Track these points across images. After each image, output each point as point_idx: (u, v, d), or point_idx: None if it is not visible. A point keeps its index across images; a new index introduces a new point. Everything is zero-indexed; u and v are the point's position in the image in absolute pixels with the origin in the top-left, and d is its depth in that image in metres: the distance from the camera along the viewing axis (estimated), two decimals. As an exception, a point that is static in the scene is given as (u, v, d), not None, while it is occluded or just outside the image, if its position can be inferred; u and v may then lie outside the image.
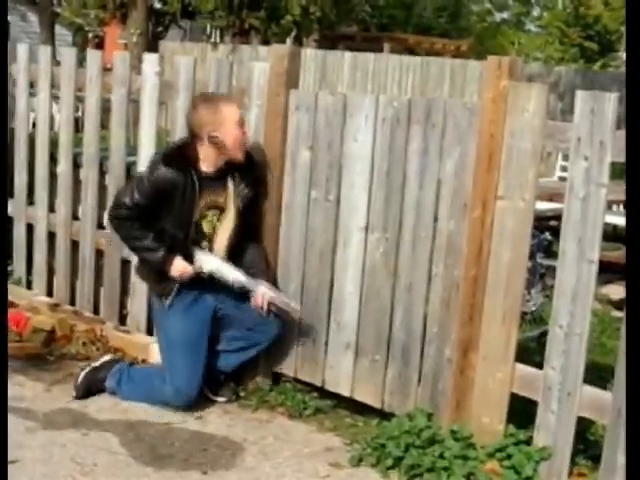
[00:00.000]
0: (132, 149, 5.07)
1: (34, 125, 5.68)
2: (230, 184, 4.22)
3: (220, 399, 4.45)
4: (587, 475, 3.65)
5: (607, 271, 4.37)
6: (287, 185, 4.38)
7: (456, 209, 3.83)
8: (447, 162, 3.84)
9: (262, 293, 4.21)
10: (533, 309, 5.74)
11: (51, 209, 5.56)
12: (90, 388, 4.42)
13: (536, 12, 43.99)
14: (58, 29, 26.47)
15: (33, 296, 5.54)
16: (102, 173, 5.23)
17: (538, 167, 3.61)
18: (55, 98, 5.57)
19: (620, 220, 8.07)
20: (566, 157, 4.15)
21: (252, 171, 4.28)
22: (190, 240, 4.19)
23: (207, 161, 4.16)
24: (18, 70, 5.61)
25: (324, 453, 4.00)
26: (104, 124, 5.18)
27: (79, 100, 5.44)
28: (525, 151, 3.59)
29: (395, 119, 3.98)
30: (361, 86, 17.76)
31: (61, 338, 4.96)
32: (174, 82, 4.75)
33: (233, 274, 4.21)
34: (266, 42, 21.66)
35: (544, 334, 3.89)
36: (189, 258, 4.20)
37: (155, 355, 4.77)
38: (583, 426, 3.74)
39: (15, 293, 5.45)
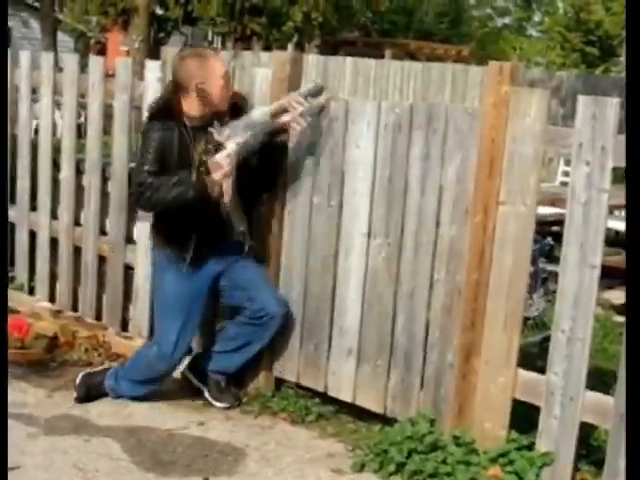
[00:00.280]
0: (134, 155, 5.07)
1: (36, 131, 5.69)
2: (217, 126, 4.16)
3: (221, 405, 4.45)
4: (590, 480, 3.65)
5: (609, 276, 4.37)
6: (289, 191, 4.38)
7: (458, 214, 3.83)
8: (449, 167, 3.84)
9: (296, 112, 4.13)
10: (535, 314, 5.72)
11: (54, 215, 5.56)
12: (89, 391, 4.44)
13: (537, 17, 44.03)
14: (60, 35, 26.53)
15: (35, 302, 5.55)
16: (105, 179, 5.24)
17: (540, 172, 3.61)
18: (57, 104, 5.58)
19: (622, 225, 8.07)
20: (568, 162, 4.15)
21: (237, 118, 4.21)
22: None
23: (192, 112, 4.15)
24: (20, 77, 5.62)
25: (326, 459, 4.00)
26: (106, 130, 5.19)
27: (81, 106, 5.44)
28: (527, 156, 3.59)
29: (397, 125, 3.99)
30: (363, 92, 17.75)
31: (63, 344, 4.97)
32: (176, 88, 4.75)
33: (261, 111, 4.16)
34: (268, 48, 21.68)
35: (546, 339, 3.89)
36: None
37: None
38: (586, 431, 3.73)
39: (17, 299, 5.46)
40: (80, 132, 5.49)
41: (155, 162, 4.08)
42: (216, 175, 4.04)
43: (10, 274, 5.76)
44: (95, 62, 5.20)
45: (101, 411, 4.34)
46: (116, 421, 4.26)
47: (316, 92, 4.23)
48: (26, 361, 4.76)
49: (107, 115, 5.15)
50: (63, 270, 5.51)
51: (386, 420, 4.13)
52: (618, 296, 6.65)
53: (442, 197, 3.87)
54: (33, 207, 5.70)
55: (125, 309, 5.13)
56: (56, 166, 5.51)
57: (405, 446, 3.82)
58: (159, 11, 22.40)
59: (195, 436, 4.16)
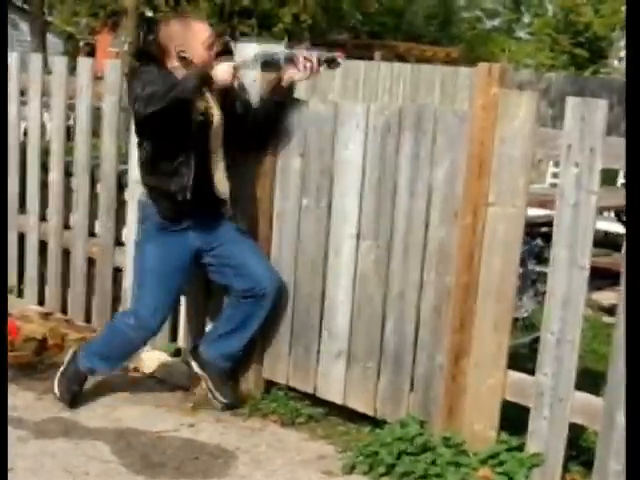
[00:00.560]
0: (123, 157, 5.07)
1: (25, 134, 5.68)
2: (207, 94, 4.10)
3: (221, 397, 4.40)
4: (579, 481, 3.66)
5: (598, 277, 4.39)
6: (278, 192, 4.38)
7: (447, 216, 3.83)
8: (438, 169, 3.84)
9: (303, 55, 4.05)
10: (525, 315, 5.74)
11: (42, 218, 5.55)
12: (72, 389, 4.40)
13: (526, 19, 44.14)
14: (49, 37, 26.46)
15: (24, 305, 5.53)
16: (93, 182, 5.23)
17: (529, 174, 3.62)
18: (46, 106, 5.57)
19: (611, 226, 8.10)
20: (557, 164, 4.16)
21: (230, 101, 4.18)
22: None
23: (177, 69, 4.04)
24: (9, 78, 5.61)
25: (317, 461, 4.00)
26: (95, 132, 5.19)
27: (70, 108, 5.43)
28: (516, 158, 3.60)
29: (386, 127, 3.99)
30: (352, 93, 17.76)
31: (53, 347, 4.95)
32: (165, 90, 4.75)
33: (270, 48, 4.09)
34: (257, 50, 21.67)
35: (536, 340, 3.90)
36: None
37: (147, 364, 4.77)
38: (575, 432, 3.74)
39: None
40: (69, 134, 5.48)
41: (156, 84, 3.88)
42: (224, 76, 3.94)
43: None
44: (84, 64, 5.20)
45: (90, 414, 4.34)
46: (105, 423, 4.25)
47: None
48: (15, 364, 4.75)
49: (96, 117, 5.15)
50: (52, 272, 5.50)
51: (376, 422, 4.13)
52: (607, 297, 6.67)
53: (431, 199, 3.88)
54: (22, 209, 5.69)
55: (114, 311, 5.12)
56: (45, 168, 5.50)
57: (395, 448, 3.82)
58: (148, 13, 22.38)
59: (185, 438, 4.16)
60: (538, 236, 6.16)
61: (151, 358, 4.78)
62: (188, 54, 4.05)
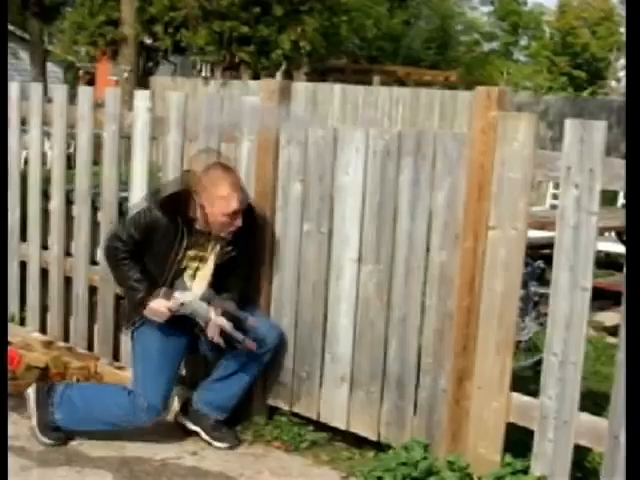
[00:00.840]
0: (124, 185, 5.08)
1: (26, 162, 5.69)
2: (217, 243, 4.23)
3: (222, 445, 4.35)
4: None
5: (600, 298, 4.38)
6: (279, 218, 4.38)
7: (448, 240, 3.83)
8: (438, 193, 3.85)
9: (214, 322, 4.11)
10: (527, 337, 5.73)
11: (44, 246, 5.55)
12: (49, 426, 4.34)
13: (524, 42, 44.35)
14: (49, 66, 26.59)
15: (26, 333, 5.52)
16: (95, 209, 5.24)
17: (529, 196, 3.62)
18: (47, 135, 5.59)
19: (612, 247, 8.10)
20: (557, 185, 4.17)
21: (242, 236, 4.24)
22: (168, 283, 4.21)
23: (195, 217, 4.17)
24: (9, 107, 5.63)
25: (321, 486, 3.99)
26: (96, 160, 5.20)
27: (71, 136, 5.45)
28: (515, 180, 3.60)
29: (385, 152, 4.00)
30: (351, 118, 17.83)
31: (55, 375, 4.93)
32: (165, 118, 4.77)
33: (201, 308, 4.17)
34: (256, 76, 21.77)
35: (539, 362, 3.89)
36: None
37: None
38: (580, 454, 3.73)
39: (9, 330, 5.43)
40: (70, 162, 5.49)
41: (140, 234, 4.17)
42: (148, 313, 4.17)
43: (1, 305, 5.75)
44: (84, 92, 5.21)
45: (93, 442, 4.32)
46: (108, 452, 4.24)
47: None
48: (17, 392, 4.73)
49: (96, 145, 5.16)
50: (54, 301, 5.50)
51: (380, 446, 4.12)
52: (610, 318, 6.66)
53: (432, 222, 3.88)
54: (23, 238, 5.69)
55: (117, 339, 5.12)
56: (46, 196, 5.50)
57: (399, 472, 3.80)
58: (148, 41, 22.49)
59: (189, 466, 4.14)
60: (539, 258, 6.15)
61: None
62: (208, 212, 4.11)
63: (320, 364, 4.32)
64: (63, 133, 5.35)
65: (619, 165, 3.35)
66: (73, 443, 4.30)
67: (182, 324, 4.22)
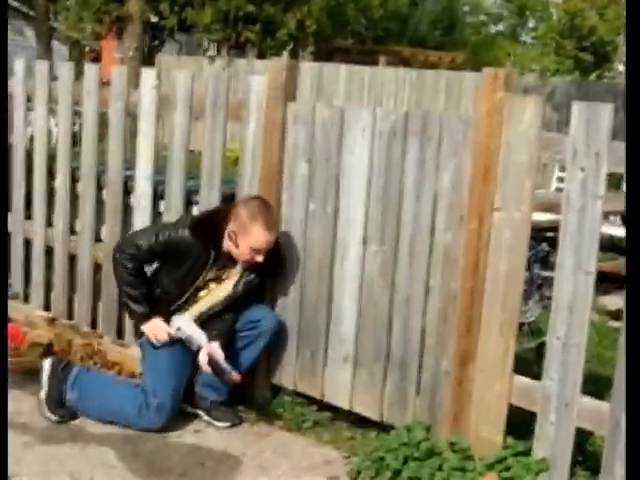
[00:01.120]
0: (129, 163, 5.08)
1: (31, 140, 5.69)
2: (240, 268, 4.29)
3: (224, 424, 4.37)
4: (586, 486, 3.65)
5: (604, 282, 4.38)
6: (285, 198, 4.38)
7: (453, 221, 3.83)
8: (443, 174, 3.85)
9: (207, 352, 4.16)
10: (530, 320, 5.74)
11: (49, 223, 5.56)
12: (60, 402, 4.36)
13: (531, 24, 44.12)
14: (55, 44, 26.51)
15: (30, 310, 5.54)
16: (99, 187, 5.24)
17: (534, 179, 3.62)
18: (52, 112, 5.58)
19: (617, 231, 8.09)
20: (563, 168, 4.16)
21: (266, 265, 4.28)
22: (181, 300, 4.28)
23: (225, 242, 4.22)
24: (15, 85, 5.62)
25: (323, 466, 4.00)
26: (101, 138, 5.19)
27: (76, 114, 5.44)
28: (521, 163, 3.60)
29: (392, 132, 3.99)
30: (357, 99, 17.78)
31: (58, 352, 4.95)
32: (172, 96, 4.76)
33: (196, 334, 4.25)
34: (262, 56, 21.69)
35: (542, 345, 3.89)
36: (168, 314, 4.30)
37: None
38: (582, 437, 3.74)
39: (12, 307, 5.44)
40: (75, 140, 5.49)
41: (161, 248, 4.24)
42: (147, 331, 4.30)
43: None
44: (90, 70, 5.20)
45: (96, 419, 4.34)
46: (112, 429, 4.25)
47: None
48: (21, 369, 4.75)
49: (102, 123, 5.15)
50: (58, 278, 5.50)
51: (382, 427, 4.13)
52: (613, 301, 6.67)
53: (437, 204, 3.88)
54: (28, 215, 5.69)
55: (120, 317, 5.13)
56: (51, 174, 5.50)
57: (401, 453, 3.82)
58: (154, 19, 22.40)
59: (191, 444, 4.16)
60: (543, 241, 6.15)
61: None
62: (237, 242, 4.16)
63: (324, 344, 4.33)
64: (68, 111, 5.34)
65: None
66: (75, 421, 4.32)
67: None
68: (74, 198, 5.39)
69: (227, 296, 4.30)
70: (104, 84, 5.16)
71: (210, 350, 4.15)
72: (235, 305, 4.33)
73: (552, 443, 3.61)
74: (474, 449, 3.77)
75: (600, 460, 3.52)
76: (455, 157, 3.80)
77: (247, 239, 4.13)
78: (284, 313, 4.42)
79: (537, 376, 3.68)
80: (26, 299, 5.75)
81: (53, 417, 4.31)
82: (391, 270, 4.06)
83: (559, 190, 9.60)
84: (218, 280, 4.30)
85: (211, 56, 23.10)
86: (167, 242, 4.21)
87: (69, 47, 29.68)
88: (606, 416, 3.47)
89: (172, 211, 4.75)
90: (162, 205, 4.91)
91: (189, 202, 4.81)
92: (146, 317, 4.30)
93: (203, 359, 4.16)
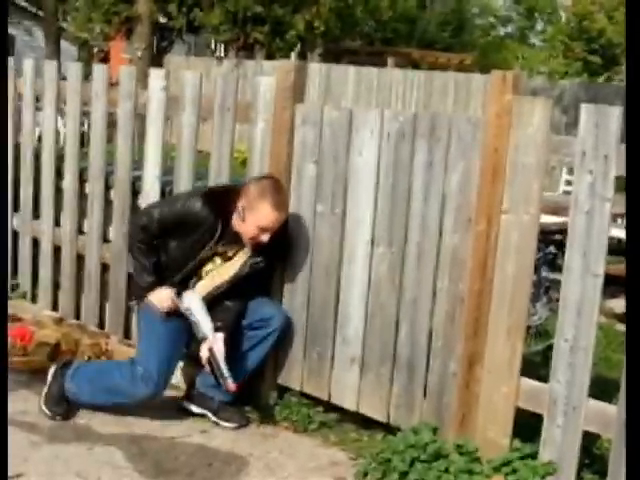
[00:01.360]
0: (137, 163, 5.09)
1: (40, 139, 5.70)
2: (247, 250, 4.26)
3: (232, 425, 4.37)
4: (593, 490, 3.64)
5: (611, 284, 4.37)
6: (293, 199, 4.38)
7: (461, 223, 3.83)
8: (452, 176, 3.84)
9: (210, 347, 4.11)
10: (538, 323, 5.73)
11: (57, 223, 5.57)
12: (60, 400, 4.37)
13: (540, 26, 44.08)
14: (63, 44, 26.57)
15: (38, 310, 5.55)
16: (107, 187, 5.24)
17: (542, 181, 3.61)
18: (61, 112, 5.59)
19: (624, 234, 8.06)
20: (571, 171, 4.15)
21: (273, 248, 4.26)
22: (186, 269, 4.25)
23: (235, 218, 4.19)
24: (24, 85, 5.63)
25: (329, 467, 4.00)
26: (110, 138, 5.20)
27: (84, 114, 5.45)
28: (529, 165, 3.59)
29: (400, 133, 3.99)
30: (365, 100, 17.79)
31: (66, 352, 4.95)
32: (180, 97, 4.77)
33: (205, 322, 4.19)
34: (270, 57, 21.71)
35: (549, 348, 3.89)
36: (173, 285, 4.27)
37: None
38: (589, 440, 3.73)
39: (20, 307, 5.46)
40: (83, 140, 5.50)
41: (172, 218, 4.20)
42: (154, 299, 4.25)
43: (13, 282, 5.77)
44: (99, 70, 5.21)
45: (103, 419, 4.34)
46: (119, 429, 4.26)
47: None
48: (29, 369, 4.76)
49: (110, 123, 5.16)
50: (66, 278, 5.51)
51: (389, 429, 4.13)
52: (621, 304, 6.65)
53: (445, 205, 3.88)
54: (36, 215, 5.71)
55: (128, 317, 5.13)
56: (59, 174, 5.51)
57: (408, 455, 3.81)
58: (162, 20, 22.43)
59: (198, 444, 4.16)
60: (551, 243, 6.14)
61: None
62: (244, 217, 4.13)
63: (331, 345, 4.33)
64: (77, 111, 5.36)
65: (634, 151, 3.33)
66: (82, 420, 4.33)
67: None
68: (82, 198, 5.40)
69: (233, 275, 4.27)
70: (112, 85, 5.17)
71: (213, 345, 4.10)
72: (241, 291, 4.30)
73: (559, 446, 3.60)
74: (481, 451, 3.76)
75: (607, 463, 3.52)
76: (463, 159, 3.80)
77: (254, 215, 4.09)
78: (291, 314, 4.42)
79: (544, 379, 3.68)
80: (34, 299, 5.76)
81: (48, 412, 4.33)
82: (399, 271, 4.06)
83: (567, 193, 9.58)
84: (224, 256, 4.27)
85: (219, 57, 23.15)
86: (179, 211, 4.19)
87: (78, 47, 29.72)
88: (613, 419, 3.46)
89: (180, 211, 4.75)
90: (170, 205, 4.90)
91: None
92: (153, 286, 4.26)
93: (204, 354, 4.13)
